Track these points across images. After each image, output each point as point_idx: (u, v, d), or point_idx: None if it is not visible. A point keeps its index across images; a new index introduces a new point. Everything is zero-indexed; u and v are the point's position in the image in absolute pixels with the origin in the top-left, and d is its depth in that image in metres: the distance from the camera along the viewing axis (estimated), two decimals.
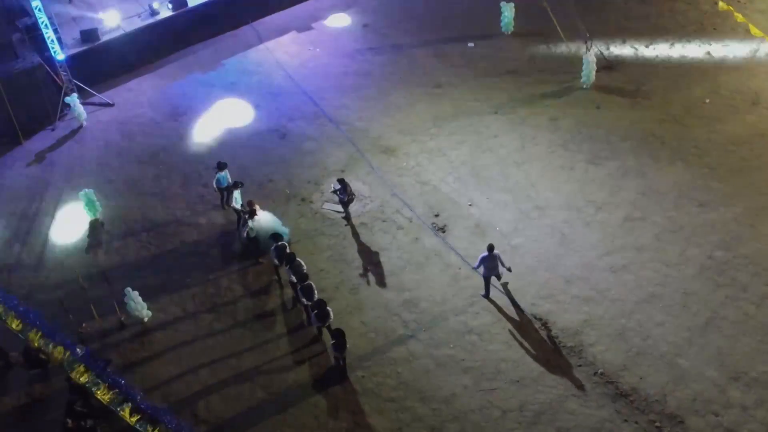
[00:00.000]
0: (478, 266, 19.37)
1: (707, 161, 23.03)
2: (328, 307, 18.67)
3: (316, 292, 19.18)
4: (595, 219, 21.64)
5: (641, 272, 20.20)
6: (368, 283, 20.74)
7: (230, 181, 22.14)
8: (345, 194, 21.76)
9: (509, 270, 19.48)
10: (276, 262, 20.23)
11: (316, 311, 18.62)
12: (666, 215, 21.56)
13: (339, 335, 17.99)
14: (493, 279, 19.67)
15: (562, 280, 20.23)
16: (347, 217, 22.27)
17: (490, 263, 19.20)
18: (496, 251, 19.20)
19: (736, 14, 22.49)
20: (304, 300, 19.23)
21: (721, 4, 22.99)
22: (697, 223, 21.27)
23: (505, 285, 20.07)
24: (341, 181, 21.82)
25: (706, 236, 20.90)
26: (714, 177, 22.49)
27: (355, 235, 22.03)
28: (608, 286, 19.96)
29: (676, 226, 21.24)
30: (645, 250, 20.75)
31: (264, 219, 21.11)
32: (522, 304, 19.79)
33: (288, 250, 20.08)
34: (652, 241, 20.94)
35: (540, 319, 19.45)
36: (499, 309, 19.68)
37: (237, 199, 21.77)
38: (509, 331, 19.23)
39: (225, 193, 22.26)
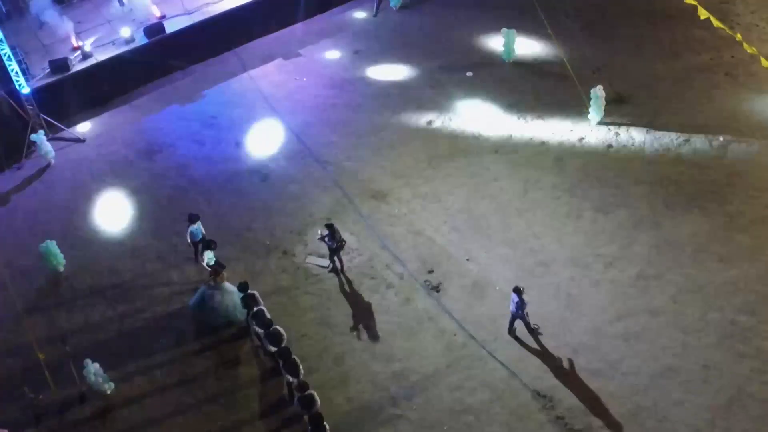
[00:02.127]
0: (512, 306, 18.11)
1: (728, 209, 20.96)
2: (301, 369, 17.19)
3: (284, 336, 17.56)
4: (605, 277, 19.65)
5: (657, 340, 18.22)
6: (354, 351, 18.76)
7: (203, 232, 20.25)
8: (333, 240, 19.90)
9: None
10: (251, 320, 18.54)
11: (284, 363, 17.08)
12: (683, 272, 19.56)
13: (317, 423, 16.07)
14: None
15: (569, 349, 18.26)
16: (336, 269, 20.44)
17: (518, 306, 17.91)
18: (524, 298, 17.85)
19: (746, 46, 20.59)
20: (270, 348, 17.57)
21: (738, 35, 20.92)
22: (717, 281, 19.26)
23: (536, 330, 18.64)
24: (329, 226, 19.95)
25: (728, 298, 18.89)
26: (735, 227, 20.44)
27: (341, 293, 20.08)
28: (620, 357, 17.99)
29: (694, 286, 19.23)
30: (660, 313, 18.76)
31: (229, 290, 19.36)
32: (524, 378, 17.80)
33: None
34: (668, 304, 18.96)
35: (545, 396, 17.48)
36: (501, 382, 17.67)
37: (210, 258, 19.81)
38: (510, 411, 17.23)
39: (200, 246, 20.32)
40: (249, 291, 18.53)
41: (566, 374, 17.78)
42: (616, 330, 18.52)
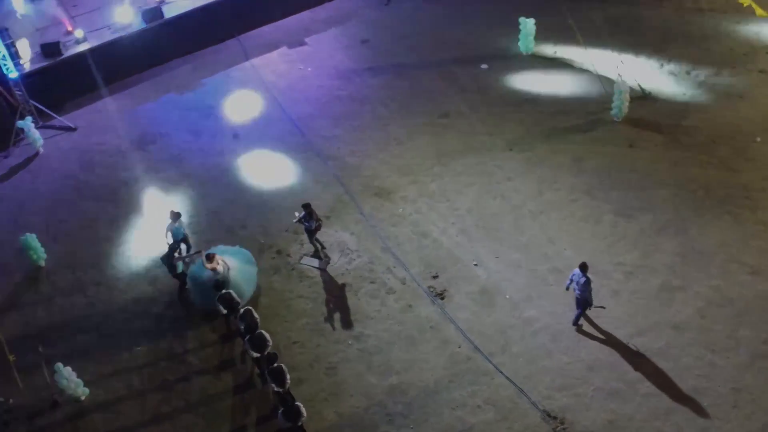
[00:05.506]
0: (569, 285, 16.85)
1: (761, 216, 19.24)
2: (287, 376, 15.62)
3: (270, 342, 16.13)
4: (626, 287, 17.98)
5: (681, 359, 16.53)
6: (349, 361, 17.22)
7: (185, 232, 18.82)
8: (311, 221, 18.69)
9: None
10: (223, 310, 17.20)
11: (268, 369, 15.59)
12: (711, 284, 17.85)
13: None
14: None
15: (584, 366, 16.60)
16: (319, 255, 19.37)
17: (583, 286, 16.44)
18: (590, 275, 16.40)
19: None
20: (253, 353, 16.17)
21: None
22: (749, 295, 17.55)
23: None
24: (306, 206, 18.72)
25: (761, 313, 17.16)
26: None
27: (338, 298, 18.58)
28: (640, 376, 16.31)
29: (723, 299, 17.52)
30: (685, 329, 17.07)
31: (233, 269, 18.05)
32: (533, 396, 16.17)
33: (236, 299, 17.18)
34: (694, 318, 17.26)
35: (555, 418, 15.84)
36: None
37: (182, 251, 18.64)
38: None
39: (181, 246, 18.90)
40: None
41: (580, 394, 16.12)
42: (636, 346, 16.83)
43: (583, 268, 16.50)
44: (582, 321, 17.24)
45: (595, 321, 17.36)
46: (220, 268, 17.80)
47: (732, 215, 19.36)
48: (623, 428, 15.52)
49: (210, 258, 17.76)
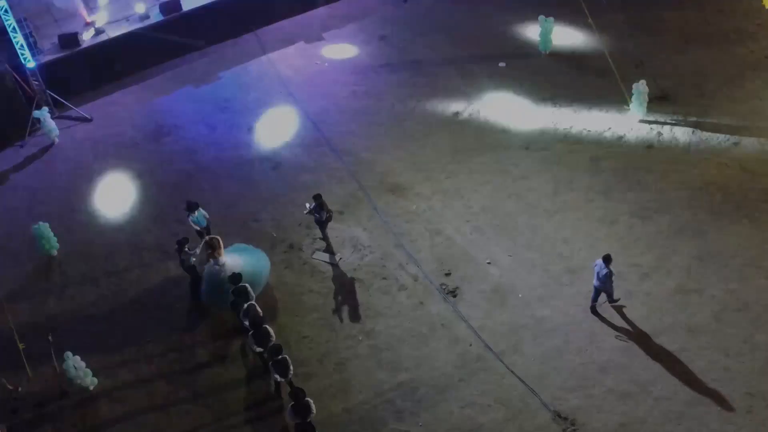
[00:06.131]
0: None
1: None
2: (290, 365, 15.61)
3: (273, 337, 15.95)
4: (640, 289, 17.71)
5: (695, 362, 16.24)
6: (358, 357, 17.08)
7: (207, 217, 18.89)
8: (322, 212, 18.63)
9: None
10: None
11: (273, 362, 15.46)
12: (728, 288, 17.53)
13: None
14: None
15: (596, 367, 16.36)
16: (332, 249, 19.27)
17: (604, 277, 16.52)
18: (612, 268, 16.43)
19: None
20: (255, 347, 16.04)
21: None
22: (765, 300, 17.17)
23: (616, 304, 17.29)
24: (317, 197, 18.64)
25: None
26: None
27: (349, 293, 18.44)
28: (653, 379, 16.04)
29: (740, 304, 17.20)
30: (700, 332, 16.77)
31: (232, 262, 17.79)
32: (544, 397, 15.96)
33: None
34: (709, 322, 16.96)
35: (566, 419, 15.62)
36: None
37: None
38: None
39: (205, 234, 18.76)
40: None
41: (591, 395, 15.90)
42: (649, 348, 16.58)
43: (607, 259, 16.42)
44: (600, 301, 17.26)
45: (611, 320, 17.13)
46: (222, 259, 17.66)
47: (750, 219, 19.01)
48: (635, 431, 15.27)
49: (211, 245, 17.56)
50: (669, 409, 15.54)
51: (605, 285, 16.64)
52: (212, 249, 17.55)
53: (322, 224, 18.98)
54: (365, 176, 21.24)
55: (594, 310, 17.25)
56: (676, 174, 20.33)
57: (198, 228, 18.88)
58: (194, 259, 18.11)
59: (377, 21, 27.05)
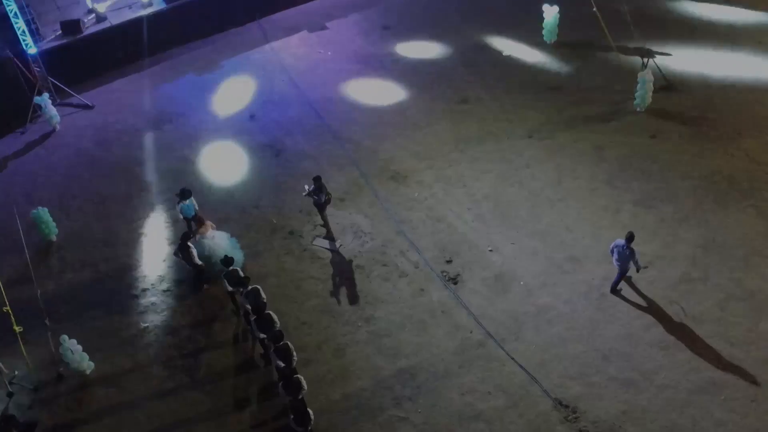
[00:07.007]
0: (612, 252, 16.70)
1: None
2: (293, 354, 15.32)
3: (277, 323, 15.76)
4: (644, 277, 17.47)
5: (699, 351, 16.00)
6: (358, 343, 16.88)
7: (197, 208, 18.53)
8: (321, 194, 18.49)
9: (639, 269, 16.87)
10: (229, 287, 16.78)
11: (274, 348, 15.23)
12: (732, 277, 17.30)
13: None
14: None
15: (599, 355, 16.14)
16: (332, 236, 19.14)
17: (622, 256, 16.42)
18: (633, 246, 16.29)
19: None
20: (259, 334, 15.80)
21: None
22: None
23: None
24: (317, 179, 18.50)
25: None
26: None
27: (349, 280, 18.24)
28: (656, 367, 15.81)
29: (744, 293, 16.97)
30: (704, 321, 16.54)
31: (220, 240, 18.04)
32: (545, 384, 15.73)
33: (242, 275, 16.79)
34: (713, 311, 16.72)
35: (567, 406, 15.39)
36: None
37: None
38: (527, 421, 15.20)
39: (192, 224, 18.66)
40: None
41: (593, 383, 15.68)
42: (652, 336, 16.35)
43: (630, 238, 16.28)
44: (621, 286, 17.12)
45: (611, 311, 16.90)
46: (209, 233, 18.00)
47: (756, 208, 18.78)
48: (637, 419, 15.04)
49: (200, 221, 18.07)
50: (672, 398, 15.31)
51: (626, 264, 16.48)
52: (200, 224, 17.89)
53: (321, 207, 18.80)
54: (367, 164, 21.08)
55: (614, 290, 17.12)
56: (681, 163, 20.12)
57: (183, 216, 18.70)
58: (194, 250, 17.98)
59: (380, 11, 26.94)
